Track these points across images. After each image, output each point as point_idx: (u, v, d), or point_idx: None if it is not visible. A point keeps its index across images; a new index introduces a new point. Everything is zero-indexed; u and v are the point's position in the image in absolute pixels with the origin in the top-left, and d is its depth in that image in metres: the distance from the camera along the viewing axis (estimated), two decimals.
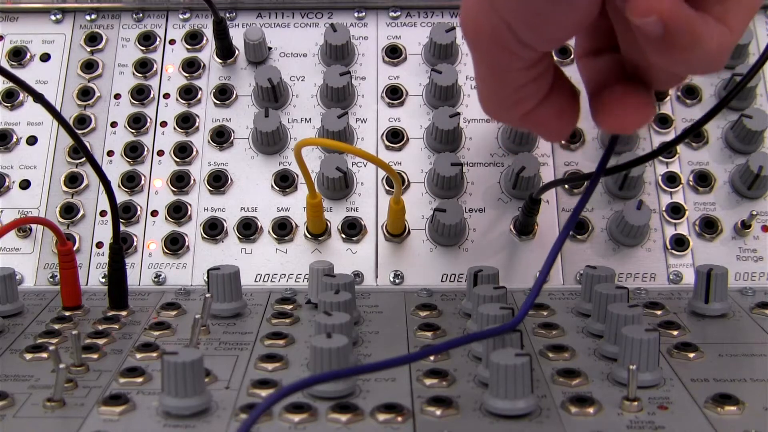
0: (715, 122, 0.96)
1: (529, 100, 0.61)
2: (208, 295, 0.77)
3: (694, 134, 0.96)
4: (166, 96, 0.99)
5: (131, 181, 0.94)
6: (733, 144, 0.95)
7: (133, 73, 1.00)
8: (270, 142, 0.94)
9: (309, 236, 0.91)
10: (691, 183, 0.94)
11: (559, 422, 0.62)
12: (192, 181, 0.94)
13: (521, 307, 0.65)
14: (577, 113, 0.64)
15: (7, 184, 0.94)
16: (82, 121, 0.97)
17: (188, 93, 0.98)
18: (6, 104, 0.98)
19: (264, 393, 0.65)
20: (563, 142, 0.95)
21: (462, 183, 0.93)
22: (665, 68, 0.58)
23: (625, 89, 0.61)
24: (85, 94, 0.98)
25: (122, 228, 0.90)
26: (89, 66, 1.00)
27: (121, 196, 0.92)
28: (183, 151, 0.95)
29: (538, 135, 0.65)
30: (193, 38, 1.02)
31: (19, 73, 0.97)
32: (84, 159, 0.94)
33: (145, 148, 0.96)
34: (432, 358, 0.71)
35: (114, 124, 0.97)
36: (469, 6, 0.57)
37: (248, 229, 0.91)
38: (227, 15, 1.02)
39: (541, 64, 0.59)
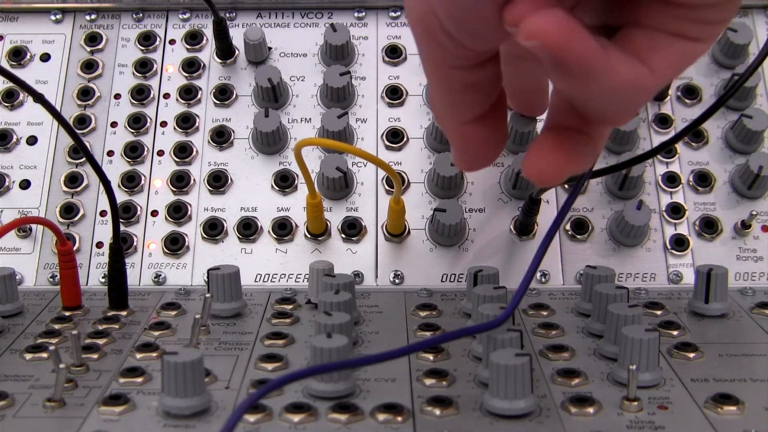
0: (715, 122, 0.97)
1: (466, 108, 0.59)
2: (208, 295, 0.77)
3: (694, 134, 0.96)
4: (166, 96, 0.99)
5: (131, 181, 0.94)
6: (733, 144, 0.95)
7: (133, 73, 1.00)
8: (270, 142, 0.94)
9: (309, 236, 0.91)
10: (691, 183, 0.94)
11: (559, 422, 0.62)
12: (192, 181, 0.94)
13: (510, 303, 0.65)
14: (500, 149, 0.63)
15: (7, 184, 0.94)
16: (82, 121, 0.97)
17: (188, 93, 0.98)
18: (6, 104, 0.98)
19: None
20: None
21: (462, 183, 0.93)
22: (577, 98, 0.55)
23: (549, 137, 0.58)
24: (85, 94, 0.98)
25: (122, 228, 0.90)
26: (89, 66, 1.00)
27: (121, 196, 0.92)
28: (183, 151, 0.95)
29: (462, 155, 0.63)
30: (193, 38, 1.02)
31: (19, 73, 0.97)
32: (84, 159, 0.94)
33: (145, 148, 0.96)
34: (432, 358, 0.71)
35: (114, 124, 0.97)
36: None
37: (248, 229, 0.91)
38: (227, 15, 1.02)
39: (481, 72, 0.57)
